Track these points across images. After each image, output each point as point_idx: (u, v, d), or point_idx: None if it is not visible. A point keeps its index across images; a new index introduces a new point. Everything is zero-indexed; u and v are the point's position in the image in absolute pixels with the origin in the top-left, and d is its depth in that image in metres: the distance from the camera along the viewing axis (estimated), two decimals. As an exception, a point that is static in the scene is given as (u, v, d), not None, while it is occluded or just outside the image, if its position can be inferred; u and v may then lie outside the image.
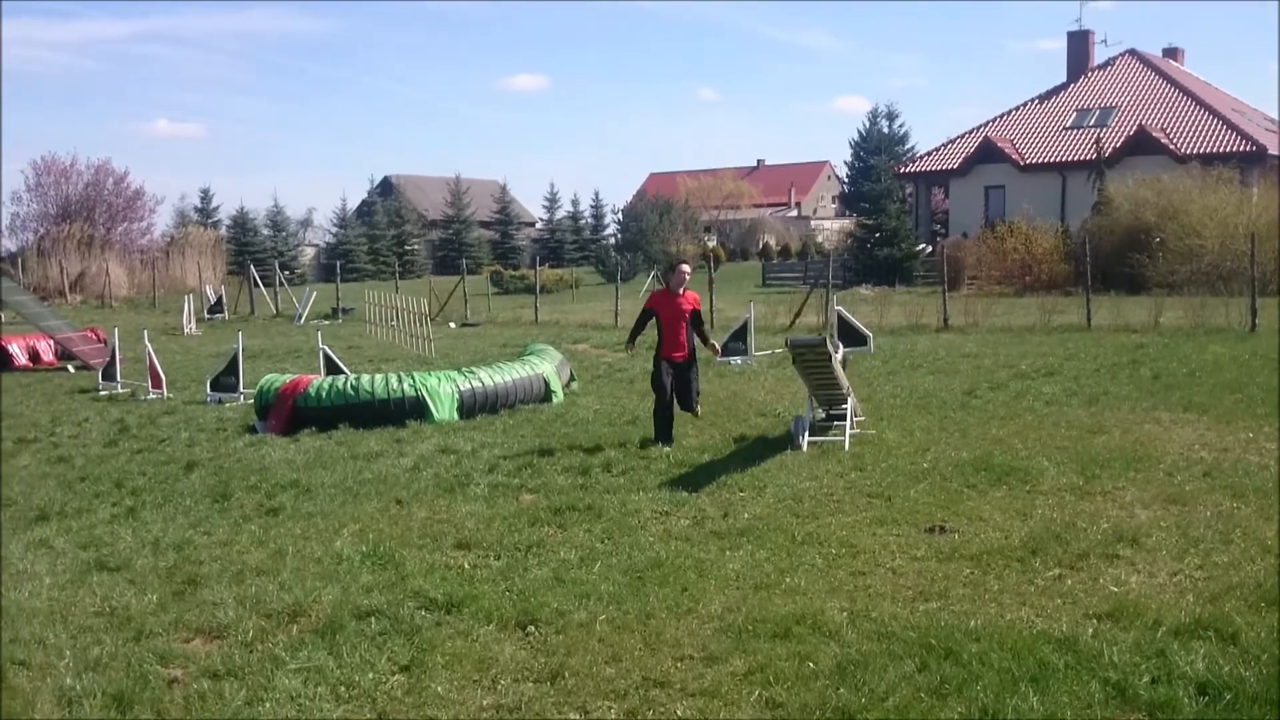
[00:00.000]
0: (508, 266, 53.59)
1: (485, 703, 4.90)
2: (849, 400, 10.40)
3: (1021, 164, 43.05)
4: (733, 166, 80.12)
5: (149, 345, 15.86)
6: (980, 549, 6.84)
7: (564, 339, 21.82)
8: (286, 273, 41.14)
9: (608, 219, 69.11)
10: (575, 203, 70.16)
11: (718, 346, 11.10)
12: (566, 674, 5.12)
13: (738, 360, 17.06)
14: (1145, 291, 25.38)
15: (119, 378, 16.11)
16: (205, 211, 59.97)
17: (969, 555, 6.74)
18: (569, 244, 65.99)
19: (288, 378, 12.73)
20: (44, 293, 37.66)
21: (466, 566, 6.87)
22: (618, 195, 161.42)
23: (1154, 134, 40.12)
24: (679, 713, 4.75)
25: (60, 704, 4.98)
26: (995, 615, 5.70)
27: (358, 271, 54.47)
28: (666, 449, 10.03)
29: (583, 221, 69.69)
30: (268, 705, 4.90)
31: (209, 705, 4.92)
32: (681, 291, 10.53)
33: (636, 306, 11.15)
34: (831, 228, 63.15)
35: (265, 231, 58.43)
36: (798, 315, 23.54)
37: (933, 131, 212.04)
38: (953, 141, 46.84)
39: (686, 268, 10.71)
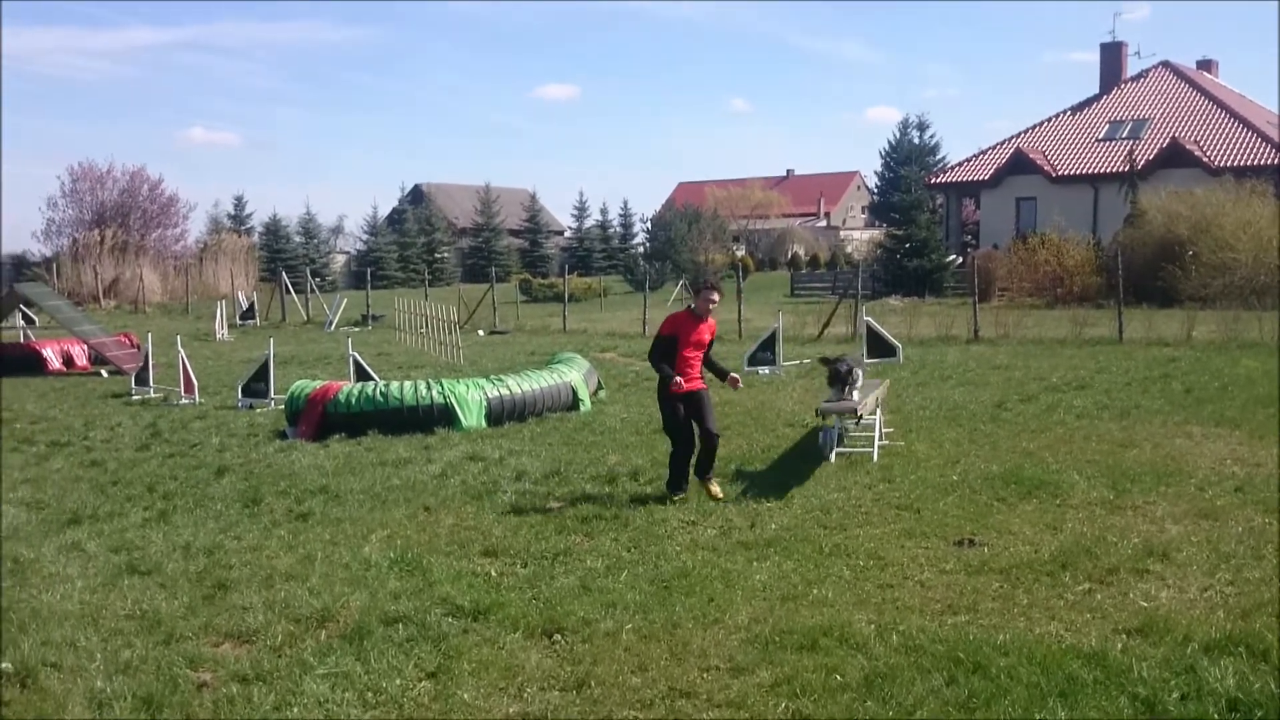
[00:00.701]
0: (536, 275, 53.73)
1: (511, 710, 4.92)
2: (867, 414, 10.31)
3: (1053, 175, 42.82)
4: (762, 176, 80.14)
5: (181, 350, 16.01)
6: (1009, 562, 6.80)
7: (592, 347, 21.87)
8: (317, 279, 41.27)
9: (636, 228, 69.22)
10: (604, 211, 70.15)
11: (738, 378, 9.69)
12: (592, 683, 5.13)
13: (766, 370, 17.06)
14: (1177, 305, 25.21)
15: (152, 382, 16.27)
16: (238, 218, 60.38)
17: (998, 569, 6.70)
18: (597, 252, 66.04)
19: (318, 384, 12.83)
20: (78, 298, 38.05)
21: (493, 574, 6.90)
22: (646, 204, 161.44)
23: (1187, 146, 39.82)
24: (705, 723, 4.74)
25: (91, 706, 5.03)
26: (1024, 629, 5.67)
27: (388, 279, 54.68)
28: (679, 496, 8.82)
29: (611, 230, 69.72)
30: (295, 710, 4.94)
31: (238, 709, 4.96)
32: (706, 317, 9.10)
33: (663, 315, 10.92)
34: (861, 238, 62.93)
35: (297, 238, 58.71)
36: (826, 325, 23.49)
37: (964, 142, 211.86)
38: (984, 152, 46.69)
39: (717, 295, 9.10)
